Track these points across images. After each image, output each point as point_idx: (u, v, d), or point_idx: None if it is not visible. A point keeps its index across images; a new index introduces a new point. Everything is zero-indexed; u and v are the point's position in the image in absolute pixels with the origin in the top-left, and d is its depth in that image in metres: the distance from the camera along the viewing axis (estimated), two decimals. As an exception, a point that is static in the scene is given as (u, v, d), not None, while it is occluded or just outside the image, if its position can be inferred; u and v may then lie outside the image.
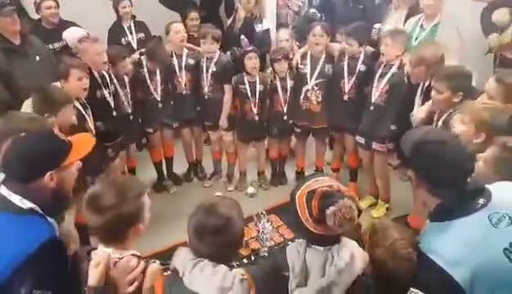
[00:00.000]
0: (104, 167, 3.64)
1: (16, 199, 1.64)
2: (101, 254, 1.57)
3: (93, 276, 1.52)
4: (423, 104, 3.27)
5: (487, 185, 1.62)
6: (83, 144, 1.89)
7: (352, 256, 1.58)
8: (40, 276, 1.54)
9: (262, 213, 3.51)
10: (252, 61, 3.96)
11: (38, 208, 1.66)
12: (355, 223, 1.55)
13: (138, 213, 1.61)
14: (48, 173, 1.68)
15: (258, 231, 3.44)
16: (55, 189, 1.71)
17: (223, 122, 4.19)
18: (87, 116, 3.25)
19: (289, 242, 3.57)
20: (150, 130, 4.25)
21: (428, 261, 1.49)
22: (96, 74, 3.48)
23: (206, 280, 1.49)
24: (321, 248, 1.62)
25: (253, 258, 3.41)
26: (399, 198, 4.04)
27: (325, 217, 1.52)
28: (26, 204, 1.64)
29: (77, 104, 3.15)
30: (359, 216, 1.58)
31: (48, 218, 1.71)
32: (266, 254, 3.35)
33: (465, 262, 1.43)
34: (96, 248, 1.65)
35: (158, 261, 1.70)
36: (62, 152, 1.75)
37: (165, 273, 1.66)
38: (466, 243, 1.46)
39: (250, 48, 4.07)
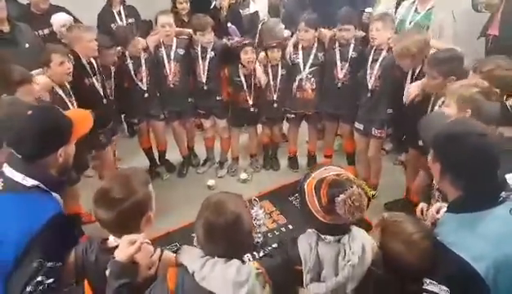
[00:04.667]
0: (95, 156, 3.68)
1: (19, 178, 1.68)
2: (135, 235, 1.57)
3: (125, 252, 1.52)
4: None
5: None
6: (82, 119, 1.95)
7: (363, 247, 1.57)
8: (49, 249, 1.59)
9: (254, 199, 3.51)
10: (247, 56, 3.91)
11: (41, 185, 1.70)
12: (365, 211, 1.53)
13: (147, 201, 1.63)
14: (61, 149, 1.75)
15: (251, 217, 3.44)
16: (62, 164, 1.78)
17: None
18: (69, 104, 3.21)
19: (283, 228, 3.65)
20: (135, 120, 4.24)
21: (451, 255, 1.45)
22: (84, 61, 3.46)
23: (219, 275, 1.45)
24: (332, 238, 1.60)
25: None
26: (390, 182, 4.05)
27: (335, 206, 1.50)
28: (29, 182, 1.68)
29: (60, 91, 3.15)
30: (368, 203, 1.56)
31: (53, 193, 1.75)
32: (263, 244, 3.38)
33: (489, 257, 1.40)
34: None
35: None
36: (70, 127, 1.81)
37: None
38: (490, 238, 1.43)
39: (247, 41, 4.00)
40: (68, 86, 3.23)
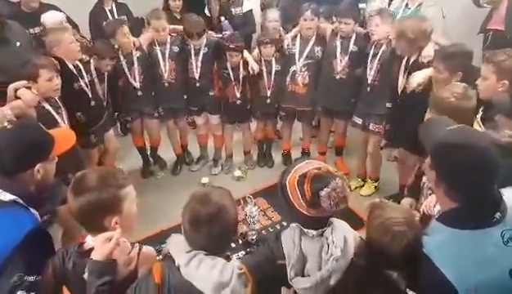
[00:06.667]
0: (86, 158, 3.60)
1: None
2: (110, 233, 1.55)
3: (102, 250, 1.50)
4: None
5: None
6: (65, 137, 1.97)
7: (345, 238, 1.59)
8: (29, 263, 1.59)
9: (248, 197, 3.51)
10: (233, 60, 3.94)
11: (19, 200, 1.69)
12: (348, 201, 1.54)
13: (115, 202, 1.58)
14: (38, 165, 1.74)
15: (246, 215, 3.45)
16: (40, 181, 1.77)
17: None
18: (58, 117, 3.13)
19: (277, 225, 3.65)
20: (129, 118, 4.23)
21: (434, 269, 1.41)
22: (70, 66, 3.39)
23: (203, 275, 1.48)
24: (315, 232, 1.61)
25: (240, 242, 3.44)
26: (386, 177, 4.06)
27: (320, 200, 1.51)
28: (7, 197, 1.67)
29: (47, 105, 3.06)
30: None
31: (30, 209, 1.73)
32: (258, 242, 3.36)
33: (471, 278, 1.37)
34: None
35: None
36: (50, 144, 1.81)
37: (160, 258, 1.66)
38: (476, 259, 1.40)
39: (233, 46, 3.93)
40: (55, 99, 3.13)
